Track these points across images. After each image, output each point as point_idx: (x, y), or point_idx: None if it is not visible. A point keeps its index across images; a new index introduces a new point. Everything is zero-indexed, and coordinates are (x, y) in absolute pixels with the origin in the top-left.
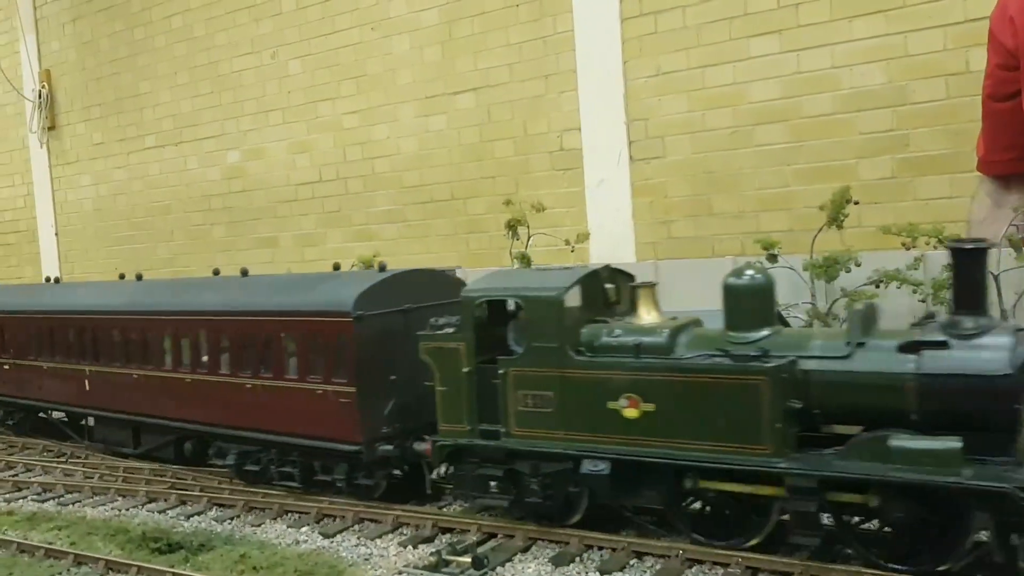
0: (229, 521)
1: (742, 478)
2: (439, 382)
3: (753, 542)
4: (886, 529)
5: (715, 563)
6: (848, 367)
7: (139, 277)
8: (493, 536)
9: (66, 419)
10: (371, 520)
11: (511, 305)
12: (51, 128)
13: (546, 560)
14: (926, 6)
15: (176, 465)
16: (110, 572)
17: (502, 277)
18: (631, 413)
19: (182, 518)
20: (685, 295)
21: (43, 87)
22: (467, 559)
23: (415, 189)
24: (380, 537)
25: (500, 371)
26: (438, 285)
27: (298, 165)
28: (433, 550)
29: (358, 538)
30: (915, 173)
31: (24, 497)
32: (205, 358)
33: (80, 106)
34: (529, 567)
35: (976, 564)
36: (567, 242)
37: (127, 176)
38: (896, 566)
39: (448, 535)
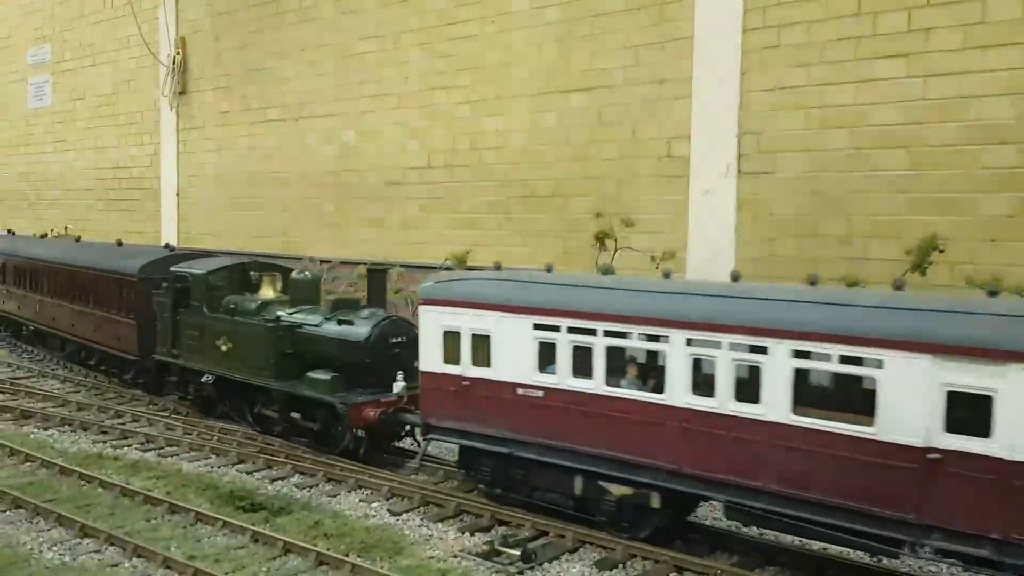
0: (308, 489)
1: (265, 391)
2: (158, 321)
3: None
4: (307, 423)
5: None
6: (316, 332)
7: (78, 239)
8: (545, 533)
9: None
10: (436, 504)
11: (189, 279)
12: (182, 93)
13: (591, 563)
14: None
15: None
16: (199, 523)
17: (189, 260)
18: (224, 348)
19: (267, 481)
20: None
21: (178, 54)
22: (517, 552)
23: (519, 183)
24: (442, 521)
25: (177, 319)
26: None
27: (408, 150)
28: (487, 539)
29: (422, 519)
30: None
31: (129, 445)
32: (74, 295)
33: (210, 75)
34: (574, 567)
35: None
36: (653, 258)
37: (248, 146)
38: (307, 445)
39: (503, 527)
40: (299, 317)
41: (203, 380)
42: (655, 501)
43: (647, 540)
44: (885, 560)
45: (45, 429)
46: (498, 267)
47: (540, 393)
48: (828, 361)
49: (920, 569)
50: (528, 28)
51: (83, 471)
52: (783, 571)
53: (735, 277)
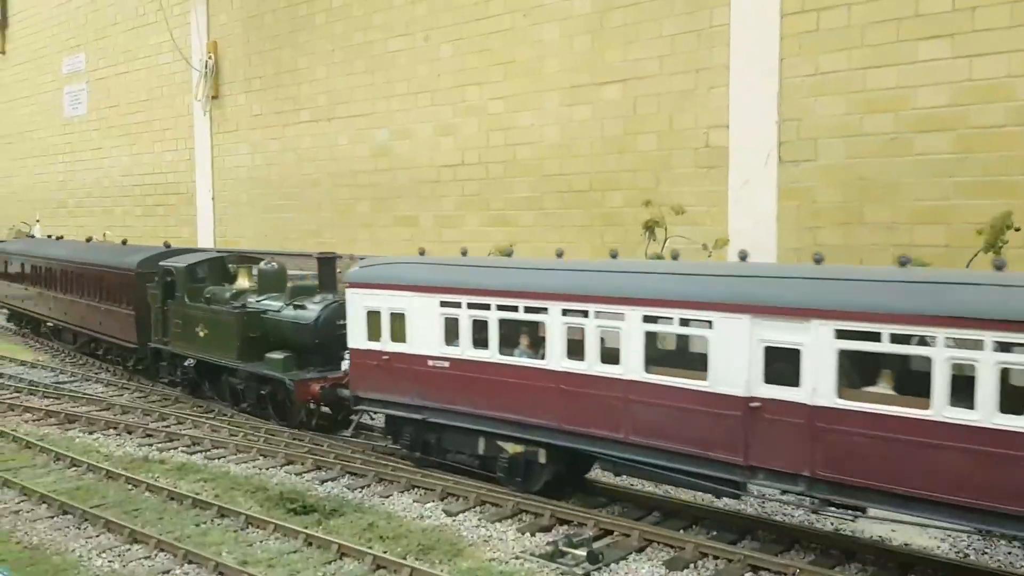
0: (360, 490)
1: (234, 371)
2: (152, 311)
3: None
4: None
5: None
6: (276, 316)
7: (89, 239)
8: (609, 533)
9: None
10: (492, 504)
11: (174, 272)
12: (214, 97)
13: (660, 563)
14: None
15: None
16: (250, 526)
17: (174, 254)
18: (202, 334)
19: (317, 483)
20: None
21: (210, 58)
22: (583, 552)
23: (554, 178)
24: (500, 521)
25: (166, 308)
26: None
27: (442, 147)
28: (550, 540)
29: (479, 519)
30: None
31: (175, 448)
32: (83, 291)
33: (242, 77)
34: (643, 567)
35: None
36: (704, 246)
37: (281, 148)
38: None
39: (565, 526)
40: (263, 304)
41: (186, 364)
42: (542, 457)
43: (539, 493)
44: (972, 556)
45: (90, 433)
46: (422, 252)
47: (447, 364)
48: (671, 324)
49: (1010, 565)
50: (560, 20)
51: (130, 475)
52: (864, 569)
53: (675, 256)
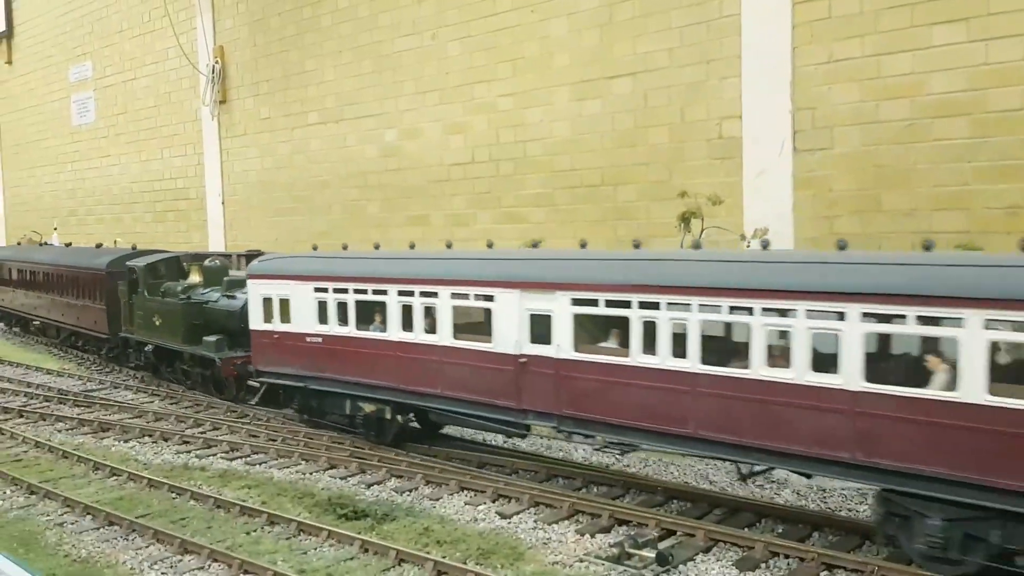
0: (408, 493)
1: (180, 354)
2: (120, 305)
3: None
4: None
5: None
6: (212, 306)
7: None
8: (672, 533)
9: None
10: (546, 504)
11: (136, 271)
12: (222, 102)
13: (730, 563)
14: None
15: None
16: (301, 533)
17: (139, 255)
18: (158, 323)
19: (363, 486)
20: None
21: (216, 62)
22: (650, 554)
23: (566, 173)
24: (557, 522)
25: (131, 302)
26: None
27: (452, 146)
28: (614, 541)
29: (535, 521)
30: None
31: (214, 455)
32: (63, 290)
33: (250, 81)
34: (713, 568)
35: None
36: (743, 236)
37: (290, 151)
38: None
39: (625, 527)
40: (204, 295)
41: (146, 349)
42: (388, 413)
43: (391, 444)
44: None
45: (125, 441)
46: (315, 248)
47: (320, 339)
48: (468, 299)
49: None
50: (568, 15)
51: (172, 483)
52: None
53: (583, 244)
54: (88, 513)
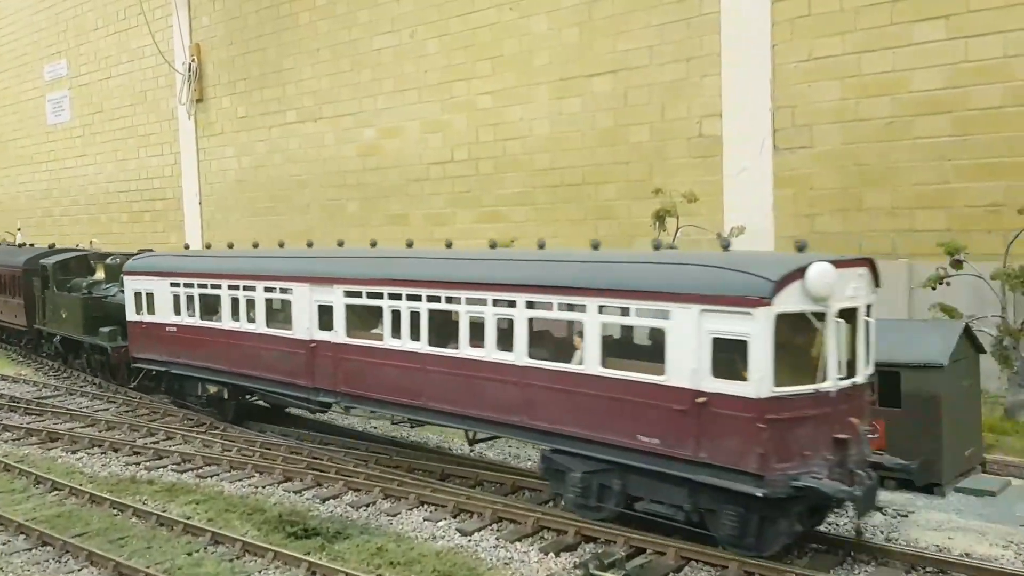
0: (365, 508)
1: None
2: (35, 300)
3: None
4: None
5: None
6: (109, 300)
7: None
8: (642, 551)
9: None
10: (510, 520)
11: (47, 268)
12: (199, 100)
13: None
14: None
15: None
16: (246, 554)
17: (52, 254)
18: (64, 315)
19: (317, 500)
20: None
21: (192, 61)
22: (617, 575)
23: (546, 172)
24: (520, 540)
25: (43, 297)
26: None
27: (431, 144)
28: (578, 561)
29: (497, 539)
30: None
31: (164, 466)
32: None
33: (226, 80)
34: None
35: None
36: (719, 235)
37: (268, 149)
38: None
39: (591, 544)
40: (103, 291)
41: (55, 340)
42: (226, 394)
43: (232, 421)
44: None
45: (73, 452)
46: (187, 247)
47: (175, 329)
48: (276, 292)
49: None
50: (548, 12)
51: (115, 499)
52: None
53: (410, 244)
54: (21, 532)
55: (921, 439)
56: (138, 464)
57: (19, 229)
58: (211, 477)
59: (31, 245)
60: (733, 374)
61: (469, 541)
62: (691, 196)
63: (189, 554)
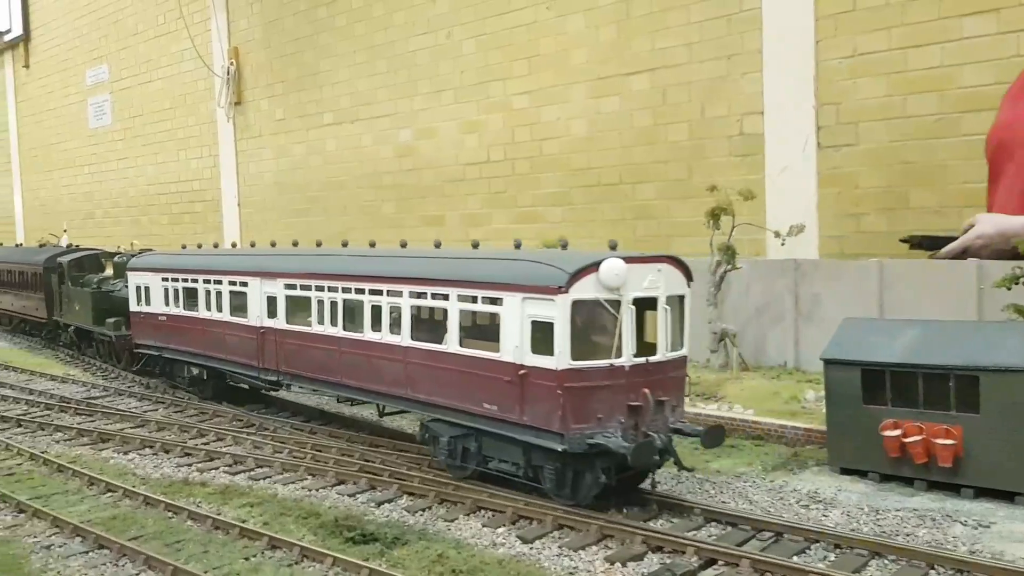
0: (421, 512)
1: (91, 332)
2: (53, 295)
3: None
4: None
5: None
6: (115, 294)
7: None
8: (713, 562)
9: None
10: (571, 527)
11: (63, 266)
12: (237, 103)
13: None
14: None
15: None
16: (305, 559)
17: (69, 253)
18: (77, 308)
19: (373, 505)
20: (909, 302)
21: (231, 64)
22: None
23: (583, 172)
24: (583, 548)
25: (60, 291)
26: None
27: (467, 145)
28: (649, 571)
29: (559, 547)
30: None
31: (216, 468)
32: (12, 284)
33: (264, 83)
34: None
35: None
36: (777, 234)
37: (305, 151)
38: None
39: (659, 554)
40: (111, 285)
41: (70, 330)
42: (205, 375)
43: (211, 398)
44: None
45: (125, 453)
46: (184, 247)
47: (166, 318)
48: (236, 286)
49: None
50: (585, 11)
51: (169, 501)
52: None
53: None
54: (78, 534)
55: (1001, 446)
56: (190, 466)
57: (65, 231)
58: (264, 479)
59: (76, 246)
60: (545, 350)
61: (531, 549)
62: (747, 194)
63: (246, 559)
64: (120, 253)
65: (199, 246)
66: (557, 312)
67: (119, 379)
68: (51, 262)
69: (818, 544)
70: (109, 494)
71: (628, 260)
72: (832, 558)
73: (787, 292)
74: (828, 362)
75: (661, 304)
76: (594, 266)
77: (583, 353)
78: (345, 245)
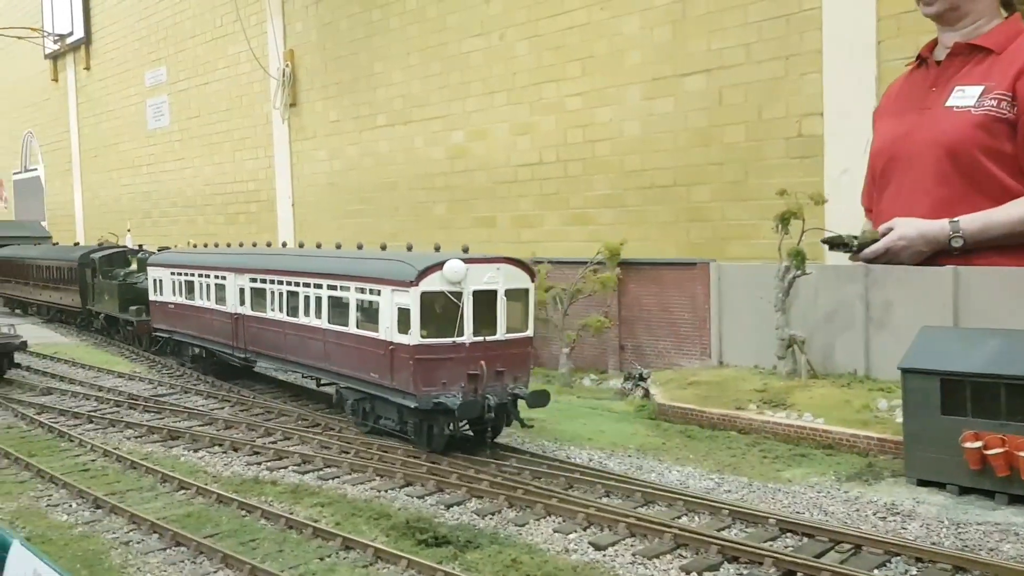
0: (491, 516)
1: (117, 318)
2: (87, 287)
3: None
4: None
5: None
6: (138, 285)
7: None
8: (792, 574)
9: None
10: (644, 534)
11: (95, 262)
12: (292, 105)
13: None
14: None
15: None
16: (379, 560)
17: (100, 250)
18: (107, 298)
19: (442, 507)
20: (986, 310)
21: (287, 66)
22: None
23: (636, 174)
24: (659, 556)
25: (92, 284)
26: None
27: (519, 147)
28: None
29: (633, 555)
30: None
31: (285, 467)
32: (49, 278)
33: (319, 84)
34: None
35: None
36: (854, 239)
37: (358, 153)
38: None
39: (735, 564)
40: (134, 278)
41: (100, 317)
42: (204, 354)
43: (217, 376)
44: None
45: (195, 451)
46: (191, 244)
47: (174, 306)
48: (218, 279)
49: None
50: (640, 12)
51: (242, 499)
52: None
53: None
54: (155, 531)
55: None
56: (259, 464)
57: (129, 230)
58: (332, 479)
59: (140, 247)
60: (404, 330)
61: (604, 556)
62: (818, 198)
63: (321, 559)
64: (143, 250)
65: (239, 244)
66: (411, 300)
67: (184, 377)
68: (85, 259)
69: (899, 557)
70: (182, 491)
71: (469, 261)
72: (914, 572)
73: (857, 298)
74: (906, 371)
75: (501, 296)
76: (439, 265)
77: (431, 332)
78: (360, 247)
